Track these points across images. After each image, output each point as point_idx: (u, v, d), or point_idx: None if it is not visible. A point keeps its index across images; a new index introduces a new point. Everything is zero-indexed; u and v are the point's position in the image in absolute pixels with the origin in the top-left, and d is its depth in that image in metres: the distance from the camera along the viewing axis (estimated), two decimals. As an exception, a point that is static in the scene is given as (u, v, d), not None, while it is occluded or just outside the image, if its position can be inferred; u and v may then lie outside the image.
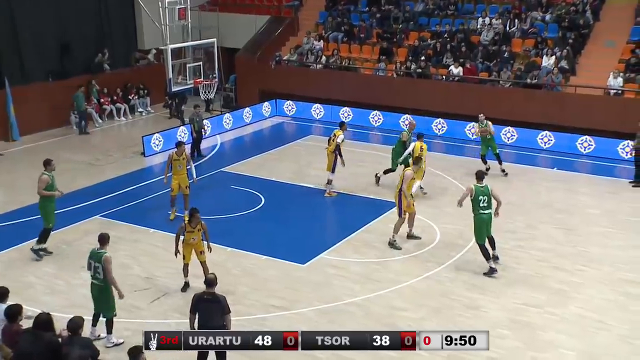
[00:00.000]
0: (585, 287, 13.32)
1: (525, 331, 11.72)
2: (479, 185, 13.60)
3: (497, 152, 19.73)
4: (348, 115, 25.83)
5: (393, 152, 18.57)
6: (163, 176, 16.76)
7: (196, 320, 9.63)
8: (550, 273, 13.86)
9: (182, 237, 12.67)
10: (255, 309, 12.39)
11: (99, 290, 10.91)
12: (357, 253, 14.76)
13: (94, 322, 11.23)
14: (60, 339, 8.62)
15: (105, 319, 11.12)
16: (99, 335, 11.18)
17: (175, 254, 12.78)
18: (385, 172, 18.69)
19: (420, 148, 17.40)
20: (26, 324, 9.03)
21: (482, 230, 13.60)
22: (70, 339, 8.54)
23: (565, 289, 13.19)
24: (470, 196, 13.52)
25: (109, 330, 11.12)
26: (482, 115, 19.91)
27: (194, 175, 16.64)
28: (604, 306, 12.57)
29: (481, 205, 13.45)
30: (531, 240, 15.44)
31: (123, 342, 11.14)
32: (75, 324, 8.63)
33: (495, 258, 14.00)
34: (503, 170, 19.78)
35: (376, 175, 18.95)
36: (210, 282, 9.75)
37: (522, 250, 14.91)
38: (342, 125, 18.26)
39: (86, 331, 11.07)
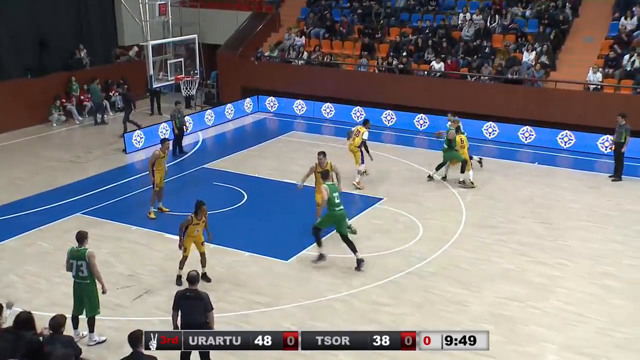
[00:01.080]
0: (565, 280, 13.44)
1: (507, 325, 11.81)
2: (329, 183, 13.90)
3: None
4: (330, 111, 25.85)
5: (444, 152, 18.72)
6: (146, 173, 16.65)
7: (179, 318, 9.61)
8: (531, 267, 13.97)
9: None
10: (238, 305, 12.38)
11: (82, 289, 10.77)
12: (340, 249, 14.74)
13: (75, 324, 11.08)
14: (41, 338, 8.56)
15: (87, 318, 11.03)
16: (83, 335, 11.10)
17: (180, 247, 12.95)
18: (437, 168, 18.94)
19: (461, 140, 18.50)
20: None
21: (329, 222, 13.89)
22: (52, 338, 8.48)
23: (546, 283, 13.31)
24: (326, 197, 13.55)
25: (91, 329, 11.04)
26: (450, 114, 20.01)
27: (166, 169, 16.74)
28: (584, 299, 12.69)
29: (335, 202, 13.55)
30: (512, 234, 15.54)
31: (105, 340, 11.08)
32: (57, 322, 8.57)
33: (360, 262, 13.66)
34: (429, 177, 19.38)
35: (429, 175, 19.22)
36: (193, 279, 9.70)
37: (504, 245, 15.02)
38: (366, 122, 18.83)
39: (68, 333, 11.07)
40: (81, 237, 10.86)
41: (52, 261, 14.17)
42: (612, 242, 15.18)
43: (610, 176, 19.39)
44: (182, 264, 13.08)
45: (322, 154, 15.30)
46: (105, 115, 25.82)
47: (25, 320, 8.56)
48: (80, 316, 11.07)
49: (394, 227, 15.95)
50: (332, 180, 14.53)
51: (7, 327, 8.70)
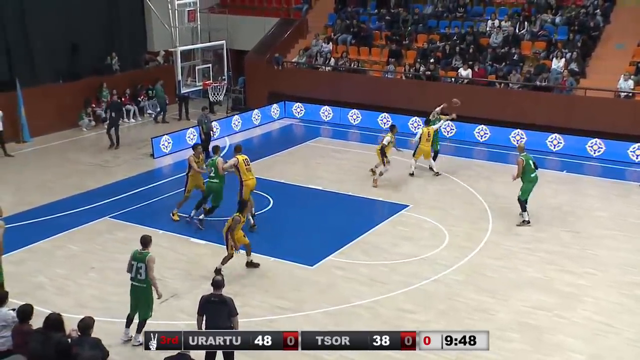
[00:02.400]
0: (593, 290, 13.28)
1: (533, 334, 11.70)
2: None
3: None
4: (357, 117, 25.84)
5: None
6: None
7: (204, 322, 9.67)
8: (558, 276, 13.83)
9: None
10: (262, 310, 12.42)
11: (139, 291, 10.95)
12: (365, 255, 14.76)
13: (128, 324, 11.32)
14: (69, 340, 8.68)
15: (139, 320, 11.18)
16: (132, 337, 11.26)
17: (234, 248, 13.37)
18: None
19: (428, 133, 19.36)
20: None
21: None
22: (80, 339, 8.59)
23: (573, 292, 13.16)
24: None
25: (139, 330, 11.16)
26: (438, 109, 20.49)
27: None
28: (612, 309, 12.53)
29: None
30: (539, 242, 15.41)
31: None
32: (85, 324, 8.68)
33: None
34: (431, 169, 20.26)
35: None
36: (218, 284, 9.77)
37: (530, 253, 14.88)
38: (392, 128, 19.33)
39: (117, 332, 11.21)
40: (145, 241, 11.10)
41: (80, 263, 14.37)
42: (641, 252, 14.99)
43: (640, 185, 19.16)
44: (225, 261, 13.48)
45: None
46: (165, 115, 26.69)
47: (54, 322, 8.69)
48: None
49: (419, 234, 15.90)
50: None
51: (37, 328, 8.84)
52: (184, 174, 16.69)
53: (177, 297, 12.91)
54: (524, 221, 16.13)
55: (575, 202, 17.97)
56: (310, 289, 13.29)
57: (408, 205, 17.52)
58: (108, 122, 23.14)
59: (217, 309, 9.56)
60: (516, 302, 12.79)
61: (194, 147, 16.86)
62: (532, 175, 15.78)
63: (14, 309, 9.19)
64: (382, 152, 18.66)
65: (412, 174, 19.58)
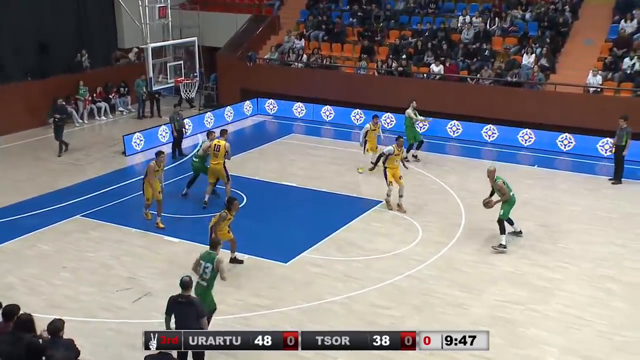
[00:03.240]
0: (566, 283, 13.43)
1: (507, 328, 11.80)
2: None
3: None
4: (330, 114, 25.85)
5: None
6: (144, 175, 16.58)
7: (172, 322, 9.56)
8: (531, 270, 13.97)
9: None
10: (238, 308, 12.37)
11: (202, 290, 10.88)
12: (340, 252, 14.77)
13: None
14: (40, 340, 8.54)
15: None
16: None
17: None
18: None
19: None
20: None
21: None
22: (54, 341, 8.47)
23: (546, 286, 13.30)
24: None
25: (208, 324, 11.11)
26: (414, 102, 20.98)
27: (162, 182, 16.19)
28: (585, 302, 12.68)
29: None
30: (512, 237, 15.53)
31: None
32: (55, 327, 8.55)
33: None
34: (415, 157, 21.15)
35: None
36: (185, 284, 9.57)
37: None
38: (373, 117, 20.19)
39: (92, 332, 11.05)
40: (214, 244, 11.27)
41: (52, 263, 14.17)
42: (612, 245, 15.17)
43: (610, 179, 19.38)
44: (233, 250, 14.03)
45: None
46: (143, 112, 26.73)
47: (25, 322, 8.54)
48: None
49: (393, 229, 15.95)
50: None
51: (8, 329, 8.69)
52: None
53: (150, 296, 12.80)
54: (500, 245, 14.70)
55: (547, 197, 18.16)
56: (285, 286, 13.26)
57: (381, 201, 17.56)
58: (53, 127, 21.93)
59: (184, 310, 9.42)
60: (490, 296, 12.89)
61: (157, 154, 16.13)
62: (511, 194, 14.91)
63: None
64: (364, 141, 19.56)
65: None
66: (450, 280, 13.48)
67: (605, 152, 21.07)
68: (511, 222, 15.22)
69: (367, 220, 16.50)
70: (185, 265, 13.63)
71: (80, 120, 25.58)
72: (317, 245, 15.06)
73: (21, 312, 8.87)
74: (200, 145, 18.26)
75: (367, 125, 19.78)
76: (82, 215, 16.67)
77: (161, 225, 15.80)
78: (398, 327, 11.56)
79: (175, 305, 9.54)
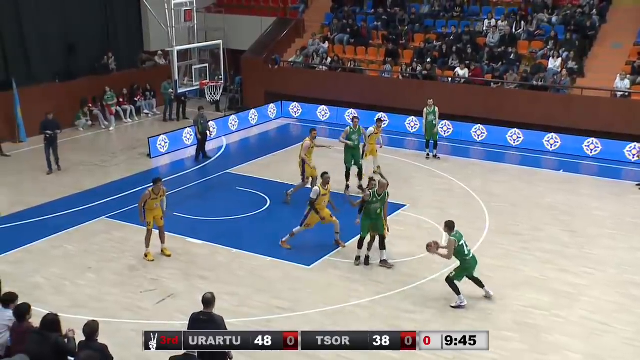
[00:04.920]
0: (590, 289, 13.30)
1: (530, 333, 11.71)
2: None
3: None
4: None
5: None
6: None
7: None
8: (555, 275, 13.84)
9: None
10: (260, 310, 12.41)
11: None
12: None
13: None
14: (66, 340, 8.65)
15: None
16: None
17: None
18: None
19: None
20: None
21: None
22: (87, 345, 8.55)
23: (570, 292, 13.17)
24: None
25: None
26: (431, 100, 21.05)
27: (164, 208, 14.87)
28: (609, 309, 12.54)
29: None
30: (536, 242, 15.41)
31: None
32: (91, 329, 8.58)
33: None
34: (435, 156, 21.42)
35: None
36: (207, 301, 9.09)
37: (528, 253, 14.89)
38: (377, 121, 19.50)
39: (114, 332, 11.17)
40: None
41: (77, 263, 14.34)
42: (637, 251, 14.98)
43: (637, 184, 19.15)
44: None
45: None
46: (172, 113, 26.95)
47: (51, 322, 8.65)
48: None
49: (416, 233, 15.89)
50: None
51: (34, 328, 8.82)
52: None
53: (174, 297, 12.89)
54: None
55: (572, 202, 17.98)
56: (308, 289, 13.28)
57: (405, 205, 17.53)
58: (45, 143, 20.34)
59: (206, 328, 8.89)
60: (513, 301, 12.79)
61: (155, 181, 14.72)
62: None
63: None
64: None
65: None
66: (473, 284, 13.37)
67: (633, 157, 20.81)
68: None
69: (390, 223, 16.33)
70: (208, 267, 13.79)
71: (107, 123, 25.81)
72: (339, 248, 15.05)
73: (46, 311, 9.00)
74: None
75: (371, 129, 18.94)
76: (107, 217, 16.84)
77: (168, 253, 14.80)
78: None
79: (197, 323, 9.12)
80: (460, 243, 12.40)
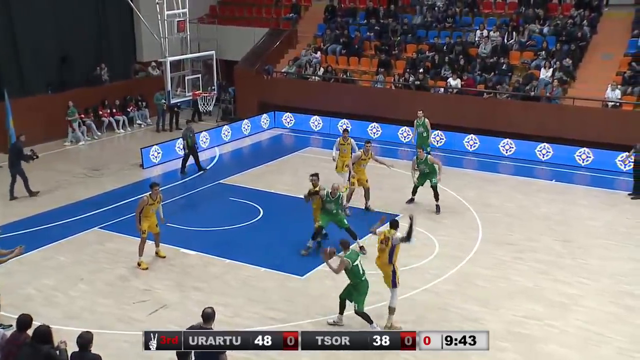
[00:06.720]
0: (585, 299, 13.29)
1: (525, 343, 11.68)
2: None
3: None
4: (347, 127, 25.81)
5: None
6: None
7: (192, 356, 9.10)
8: (550, 285, 13.84)
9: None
10: (253, 321, 12.34)
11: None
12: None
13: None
14: (57, 351, 8.58)
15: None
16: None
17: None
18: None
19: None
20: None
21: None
22: (81, 356, 8.49)
23: (565, 301, 13.16)
24: None
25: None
26: (420, 112, 21.13)
27: (161, 215, 15.03)
28: (604, 319, 12.54)
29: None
30: (530, 252, 15.41)
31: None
32: (85, 340, 8.54)
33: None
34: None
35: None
36: (208, 316, 8.99)
37: (522, 262, 14.89)
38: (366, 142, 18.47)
39: (107, 343, 11.08)
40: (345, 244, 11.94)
41: (69, 274, 14.25)
42: (632, 261, 15.01)
43: (629, 194, 19.20)
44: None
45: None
46: (165, 123, 26.85)
47: (42, 334, 8.58)
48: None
49: (409, 243, 15.82)
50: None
51: (26, 340, 8.74)
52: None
53: (166, 308, 12.81)
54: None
55: (566, 211, 18.01)
56: (301, 300, 13.22)
57: (398, 215, 17.49)
58: (10, 167, 19.23)
59: None
60: (507, 311, 12.78)
61: (151, 186, 14.85)
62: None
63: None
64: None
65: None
66: (467, 294, 13.38)
67: (625, 167, 20.89)
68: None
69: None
70: (202, 278, 13.71)
71: (99, 133, 25.66)
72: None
73: (38, 323, 8.92)
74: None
75: (359, 153, 18.13)
76: (99, 227, 16.76)
77: (162, 254, 15.00)
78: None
79: None
80: (355, 264, 11.68)
